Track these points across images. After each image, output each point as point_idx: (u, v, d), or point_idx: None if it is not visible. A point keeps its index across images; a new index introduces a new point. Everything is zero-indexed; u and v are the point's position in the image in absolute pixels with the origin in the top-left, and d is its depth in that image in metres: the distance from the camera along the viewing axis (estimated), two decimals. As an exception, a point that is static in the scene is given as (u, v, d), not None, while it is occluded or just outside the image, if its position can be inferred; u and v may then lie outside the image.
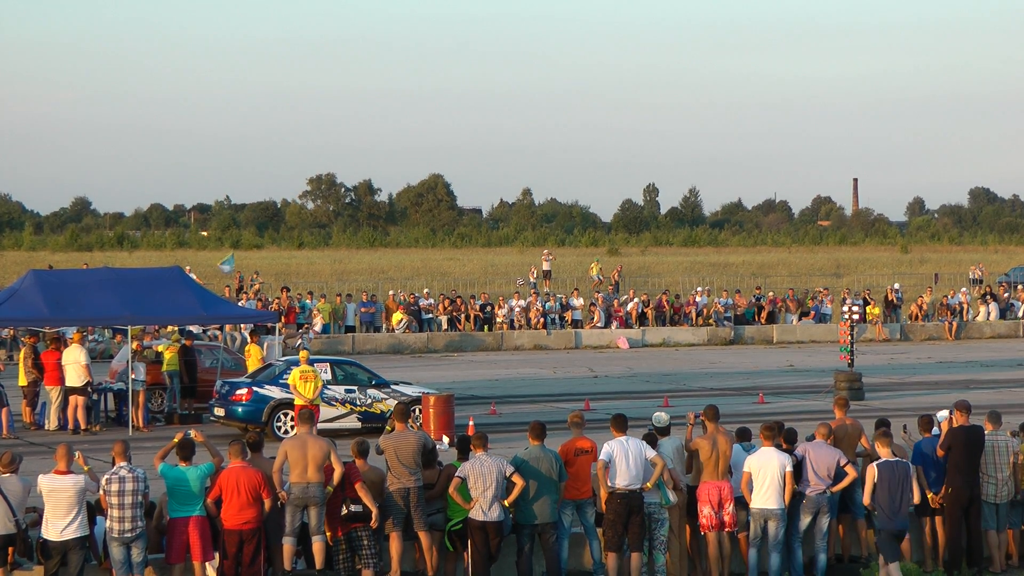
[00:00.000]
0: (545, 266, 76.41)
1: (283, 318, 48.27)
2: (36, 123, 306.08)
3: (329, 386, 30.31)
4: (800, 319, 59.47)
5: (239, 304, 47.58)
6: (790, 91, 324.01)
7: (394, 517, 17.71)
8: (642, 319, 57.48)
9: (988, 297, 63.05)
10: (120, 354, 34.07)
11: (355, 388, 30.93)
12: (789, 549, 18.39)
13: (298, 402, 28.48)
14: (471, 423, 28.82)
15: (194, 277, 42.66)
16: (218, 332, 47.55)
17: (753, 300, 60.25)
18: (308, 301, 54.97)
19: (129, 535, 16.43)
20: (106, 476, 16.52)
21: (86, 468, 16.73)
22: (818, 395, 37.61)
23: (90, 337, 42.28)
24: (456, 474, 17.57)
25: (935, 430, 19.56)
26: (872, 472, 17.90)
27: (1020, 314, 62.21)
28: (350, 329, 54.49)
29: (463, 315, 56.49)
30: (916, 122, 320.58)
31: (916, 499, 18.35)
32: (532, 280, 71.37)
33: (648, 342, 55.97)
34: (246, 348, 35.90)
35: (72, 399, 31.10)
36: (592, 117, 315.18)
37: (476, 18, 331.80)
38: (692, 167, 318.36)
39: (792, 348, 55.12)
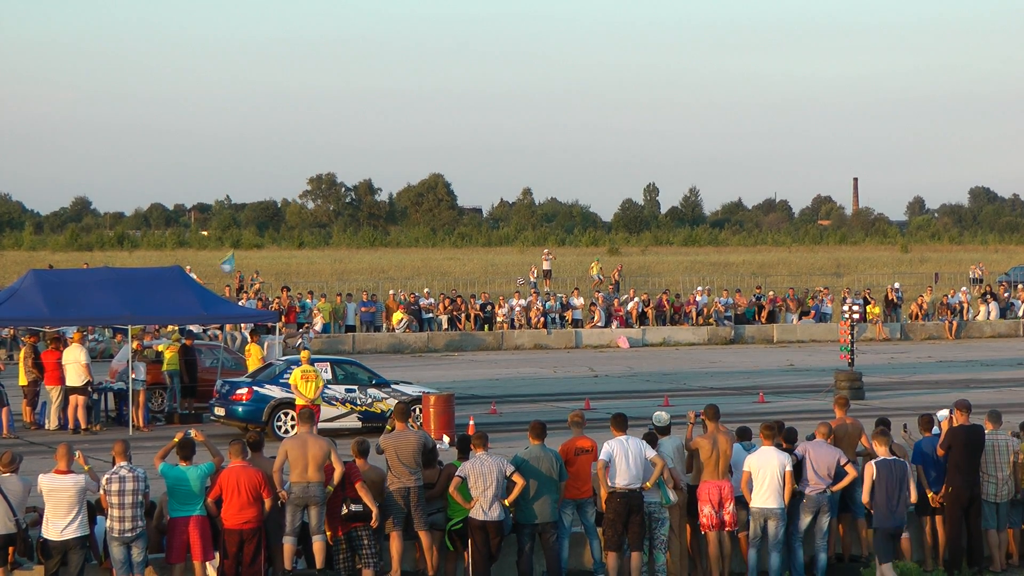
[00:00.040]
0: (545, 266, 76.43)
1: (283, 318, 48.26)
2: (36, 123, 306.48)
3: (329, 386, 30.31)
4: (800, 318, 59.46)
5: (239, 304, 47.57)
6: (790, 91, 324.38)
7: (394, 517, 17.71)
8: (642, 319, 57.47)
9: (988, 296, 63.04)
10: (120, 354, 34.07)
11: (355, 388, 30.93)
12: (790, 549, 18.39)
13: (299, 402, 28.48)
14: (471, 423, 28.80)
15: (194, 277, 42.67)
16: (218, 332, 47.55)
17: (753, 300, 60.24)
18: (308, 301, 54.97)
19: (129, 535, 16.43)
20: (106, 476, 16.52)
21: (86, 468, 16.73)
22: (818, 394, 37.60)
23: (90, 337, 42.27)
24: (456, 473, 17.57)
25: (935, 429, 19.57)
26: (871, 470, 17.91)
27: (1020, 313, 62.20)
28: (350, 329, 54.49)
29: (463, 315, 56.49)
30: (916, 122, 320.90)
31: (913, 498, 18.37)
32: (532, 280, 71.38)
33: (648, 342, 55.96)
34: (246, 348, 35.90)
35: (72, 399, 31.11)
36: (592, 117, 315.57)
37: (476, 18, 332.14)
38: (692, 167, 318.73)
39: (792, 347, 55.12)
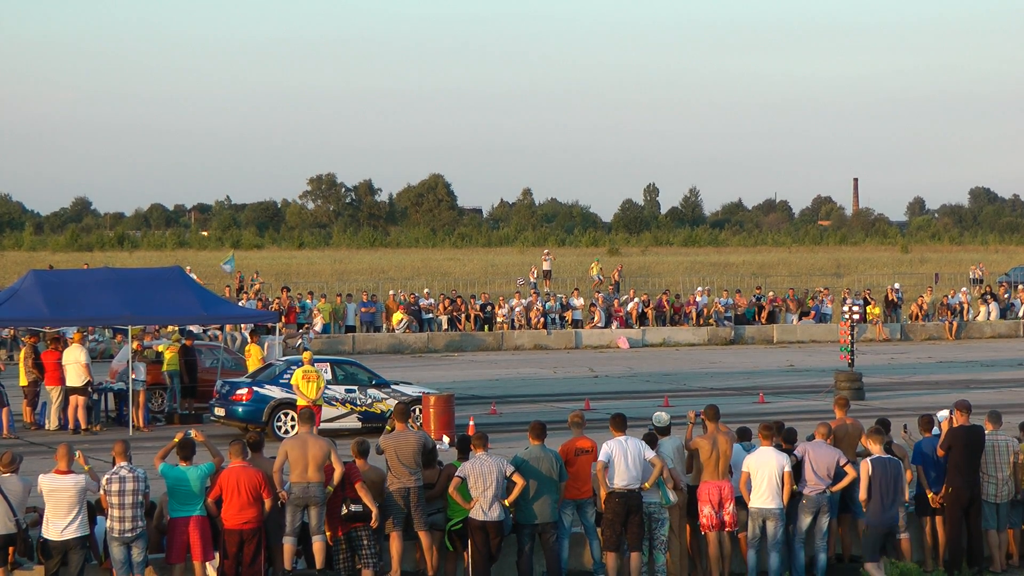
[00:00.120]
0: (545, 266, 76.42)
1: (283, 318, 48.27)
2: (36, 123, 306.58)
3: (329, 386, 30.31)
4: (800, 319, 59.47)
5: (239, 304, 47.59)
6: (790, 91, 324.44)
7: (394, 517, 17.72)
8: (642, 319, 57.48)
9: (988, 297, 63.05)
10: (120, 354, 34.08)
11: (355, 388, 30.94)
12: (790, 549, 18.39)
13: (300, 402, 28.49)
14: (471, 423, 28.80)
15: (194, 277, 42.67)
16: (218, 332, 47.57)
17: (753, 300, 60.25)
18: (308, 301, 54.99)
19: (129, 535, 16.43)
20: (106, 476, 16.52)
21: (86, 468, 16.73)
22: (818, 395, 37.61)
23: (90, 337, 42.27)
24: (456, 474, 17.56)
25: (935, 430, 19.57)
26: (866, 467, 17.93)
27: (1020, 314, 62.21)
28: (350, 329, 54.51)
29: (463, 315, 56.50)
30: (916, 122, 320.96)
31: (906, 498, 18.40)
32: (532, 280, 71.36)
33: (648, 342, 55.97)
34: (246, 348, 35.91)
35: (72, 399, 31.12)
36: (592, 117, 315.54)
37: (476, 18, 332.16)
38: (692, 167, 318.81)
39: (792, 348, 55.13)
